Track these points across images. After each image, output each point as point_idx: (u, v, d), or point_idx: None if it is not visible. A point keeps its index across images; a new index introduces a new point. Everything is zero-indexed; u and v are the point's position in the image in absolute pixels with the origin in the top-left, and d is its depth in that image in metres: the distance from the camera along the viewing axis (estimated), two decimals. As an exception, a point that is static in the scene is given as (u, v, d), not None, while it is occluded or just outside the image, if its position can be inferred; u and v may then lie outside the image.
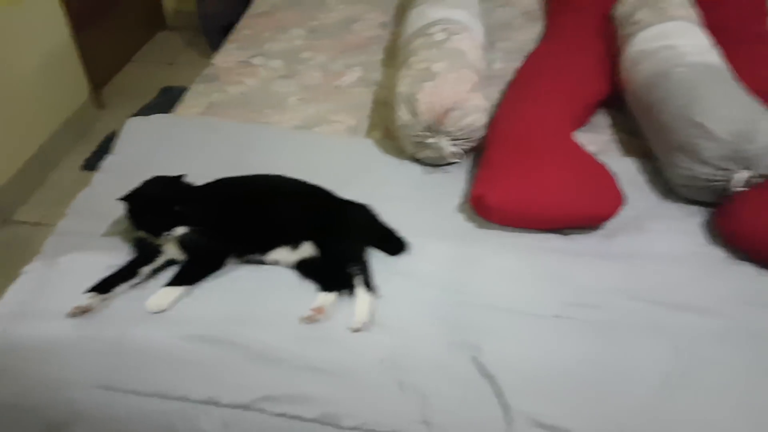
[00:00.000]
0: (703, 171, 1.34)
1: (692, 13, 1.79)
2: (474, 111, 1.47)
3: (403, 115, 1.48)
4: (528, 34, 2.10)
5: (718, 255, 1.31)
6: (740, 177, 1.32)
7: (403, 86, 1.52)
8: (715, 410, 1.03)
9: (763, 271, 1.26)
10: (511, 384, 1.05)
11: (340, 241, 1.27)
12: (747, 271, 1.27)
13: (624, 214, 1.39)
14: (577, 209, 1.32)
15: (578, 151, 1.44)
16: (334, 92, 1.85)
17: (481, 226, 1.38)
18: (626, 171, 1.53)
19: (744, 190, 1.33)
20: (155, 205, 1.22)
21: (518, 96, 1.62)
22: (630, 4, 1.88)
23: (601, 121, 1.74)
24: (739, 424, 1.02)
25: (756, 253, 1.27)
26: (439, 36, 1.61)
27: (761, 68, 1.69)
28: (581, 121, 1.66)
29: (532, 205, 1.32)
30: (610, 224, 1.38)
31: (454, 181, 1.50)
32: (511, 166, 1.39)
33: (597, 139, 1.67)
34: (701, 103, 1.38)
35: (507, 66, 1.88)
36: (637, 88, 1.61)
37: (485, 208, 1.34)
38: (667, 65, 1.54)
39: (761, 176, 1.33)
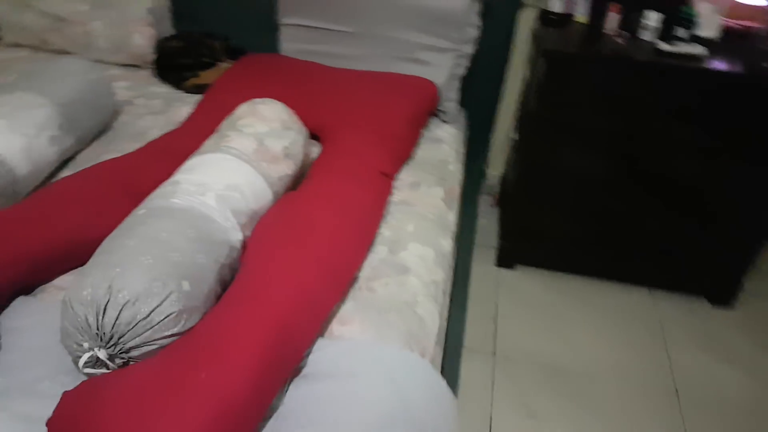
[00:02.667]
0: (66, 344, 1.11)
1: (261, 148, 1.56)
2: None
3: None
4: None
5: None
6: (86, 356, 1.05)
7: None
8: None
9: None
10: None
11: None
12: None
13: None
14: None
15: None
16: None
17: None
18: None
19: (99, 374, 1.09)
20: None
21: None
22: (222, 126, 1.70)
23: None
24: None
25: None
26: None
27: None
28: None
29: None
30: None
31: None
32: None
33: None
34: (93, 262, 1.15)
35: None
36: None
37: None
38: (139, 206, 1.34)
39: (121, 355, 1.06)
